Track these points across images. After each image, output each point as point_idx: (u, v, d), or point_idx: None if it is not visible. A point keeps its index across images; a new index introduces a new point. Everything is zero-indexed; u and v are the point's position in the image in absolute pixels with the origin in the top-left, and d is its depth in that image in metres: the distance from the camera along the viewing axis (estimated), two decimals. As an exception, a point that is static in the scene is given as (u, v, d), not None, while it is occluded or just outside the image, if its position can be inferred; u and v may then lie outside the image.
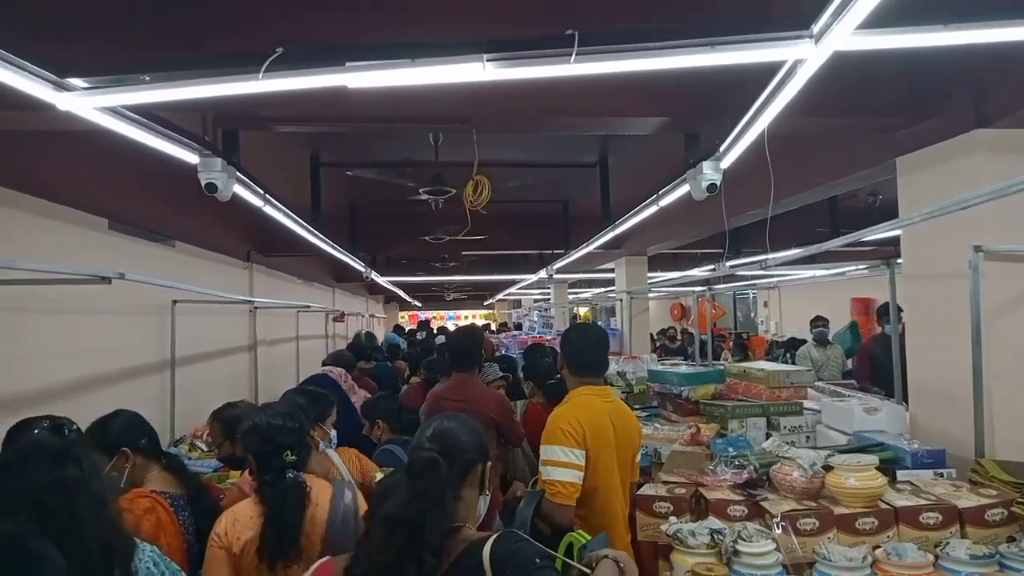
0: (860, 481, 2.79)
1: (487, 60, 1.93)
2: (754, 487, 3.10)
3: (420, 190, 4.74)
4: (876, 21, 1.92)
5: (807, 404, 4.12)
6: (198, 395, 5.87)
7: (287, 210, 4.19)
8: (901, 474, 3.09)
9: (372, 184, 5.78)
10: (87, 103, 2.20)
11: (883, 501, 2.80)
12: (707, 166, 3.22)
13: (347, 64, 2.00)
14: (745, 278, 10.03)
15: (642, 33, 2.00)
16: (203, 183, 3.03)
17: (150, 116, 2.62)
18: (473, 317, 24.52)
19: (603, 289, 13.43)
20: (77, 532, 1.60)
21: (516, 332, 12.75)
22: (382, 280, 10.12)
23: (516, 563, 1.52)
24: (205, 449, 5.34)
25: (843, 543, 2.64)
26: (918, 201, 3.44)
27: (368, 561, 1.57)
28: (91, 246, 4.48)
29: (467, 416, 1.89)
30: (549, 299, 15.04)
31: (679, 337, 12.91)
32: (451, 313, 25.56)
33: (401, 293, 15.76)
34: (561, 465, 2.62)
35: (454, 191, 4.71)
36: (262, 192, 3.73)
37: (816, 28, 1.97)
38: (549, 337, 9.75)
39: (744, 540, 2.56)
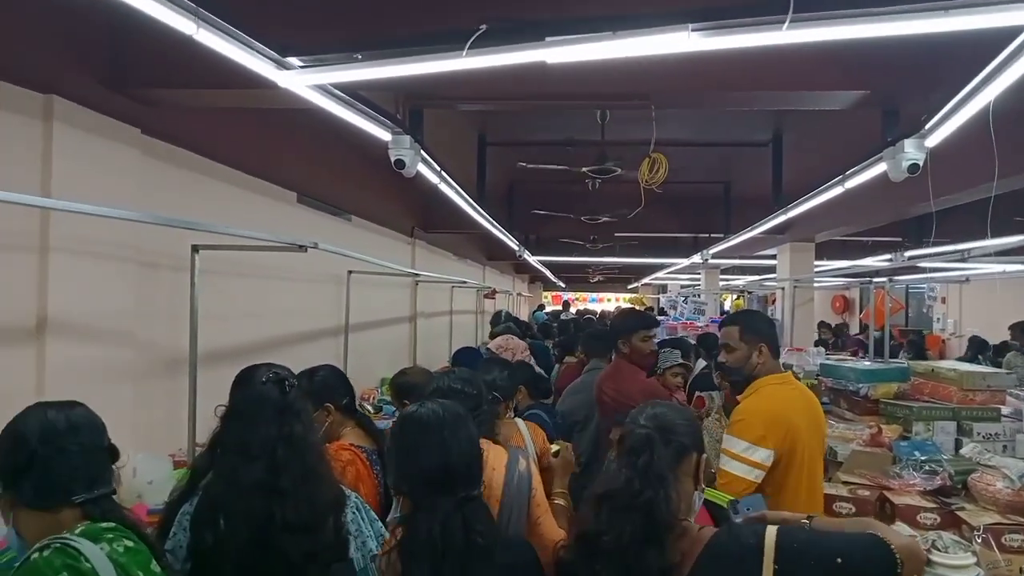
0: (1081, 499, 2.50)
1: (692, 29, 1.87)
2: (947, 495, 2.88)
3: (585, 169, 4.73)
4: None
5: (1005, 410, 3.74)
6: (365, 360, 6.26)
7: (459, 188, 4.34)
8: None
9: (533, 163, 5.85)
10: (303, 80, 2.38)
11: (1109, 524, 2.50)
12: (909, 144, 2.96)
13: (547, 39, 2.02)
14: (925, 270, 9.18)
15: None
16: (392, 159, 3.19)
17: (352, 95, 2.79)
18: (616, 300, 24.32)
19: (757, 277, 12.83)
20: (308, 483, 1.76)
21: (663, 317, 12.51)
22: (532, 259, 10.25)
23: (815, 548, 1.45)
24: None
25: (1058, 565, 2.38)
26: None
27: (594, 543, 1.51)
28: (282, 217, 4.88)
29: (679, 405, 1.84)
30: (698, 284, 14.58)
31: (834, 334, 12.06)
32: (593, 295, 25.51)
33: (548, 273, 15.90)
34: (736, 458, 2.47)
35: (619, 171, 4.66)
36: (439, 169, 3.88)
37: (1074, -14, 1.74)
38: (701, 324, 9.48)
39: (939, 550, 2.37)
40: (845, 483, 3.01)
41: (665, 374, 4.23)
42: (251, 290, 4.45)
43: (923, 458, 3.05)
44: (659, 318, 13.49)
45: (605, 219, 6.72)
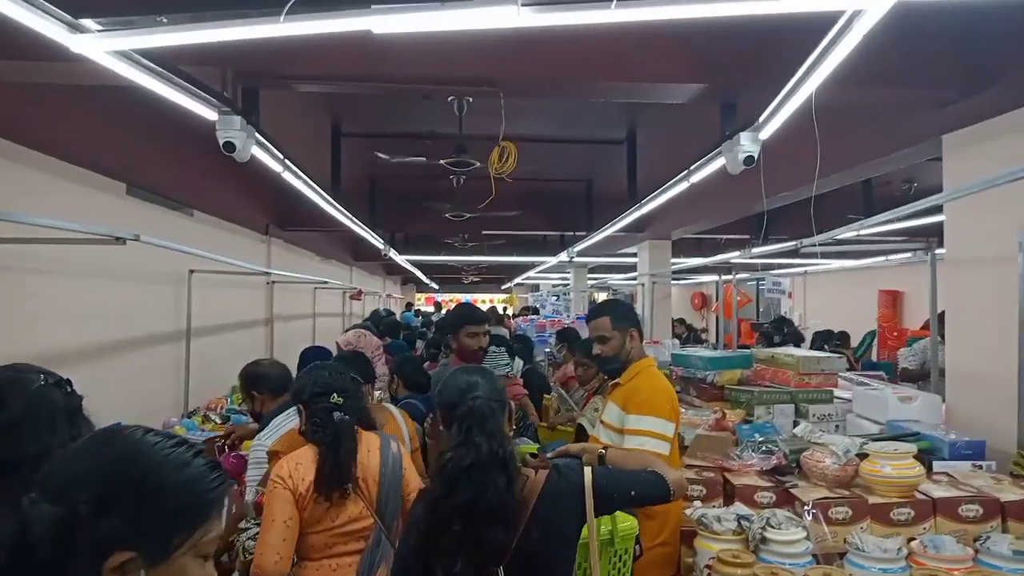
0: (897, 470, 2.67)
1: (522, 4, 1.80)
2: (783, 474, 2.99)
3: (442, 161, 4.62)
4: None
5: (838, 393, 3.99)
6: (213, 367, 5.83)
7: (306, 177, 4.09)
8: (938, 465, 2.97)
9: (392, 156, 5.67)
10: (101, 46, 2.10)
11: (920, 492, 2.68)
12: (744, 137, 3.08)
13: (372, 7, 1.89)
14: (772, 267, 9.84)
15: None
16: (221, 142, 2.92)
17: (169, 68, 2.52)
18: (491, 301, 24.43)
19: (622, 275, 13.28)
20: None
21: (533, 316, 12.65)
22: (399, 259, 10.03)
23: (618, 484, 1.88)
24: (218, 421, 5.31)
25: (877, 534, 2.53)
26: (964, 182, 3.28)
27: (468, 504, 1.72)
28: (108, 211, 4.41)
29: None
30: (568, 284, 14.90)
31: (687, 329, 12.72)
32: (467, 296, 25.48)
33: (419, 274, 15.68)
34: (662, 438, 2.63)
35: (478, 164, 4.59)
36: (281, 156, 3.63)
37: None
38: (568, 321, 9.63)
39: (773, 527, 2.45)
40: (689, 466, 3.07)
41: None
42: (66, 290, 3.97)
43: (761, 439, 3.17)
44: (531, 316, 13.71)
45: (470, 216, 6.65)
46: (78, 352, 4.00)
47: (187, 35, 2.04)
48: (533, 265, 13.36)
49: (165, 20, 2.04)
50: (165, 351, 5.13)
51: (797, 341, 8.86)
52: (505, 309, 19.57)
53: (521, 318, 13.40)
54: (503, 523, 1.72)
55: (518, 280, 19.77)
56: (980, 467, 2.96)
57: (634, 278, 9.44)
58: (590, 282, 13.91)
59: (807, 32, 2.32)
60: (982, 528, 2.54)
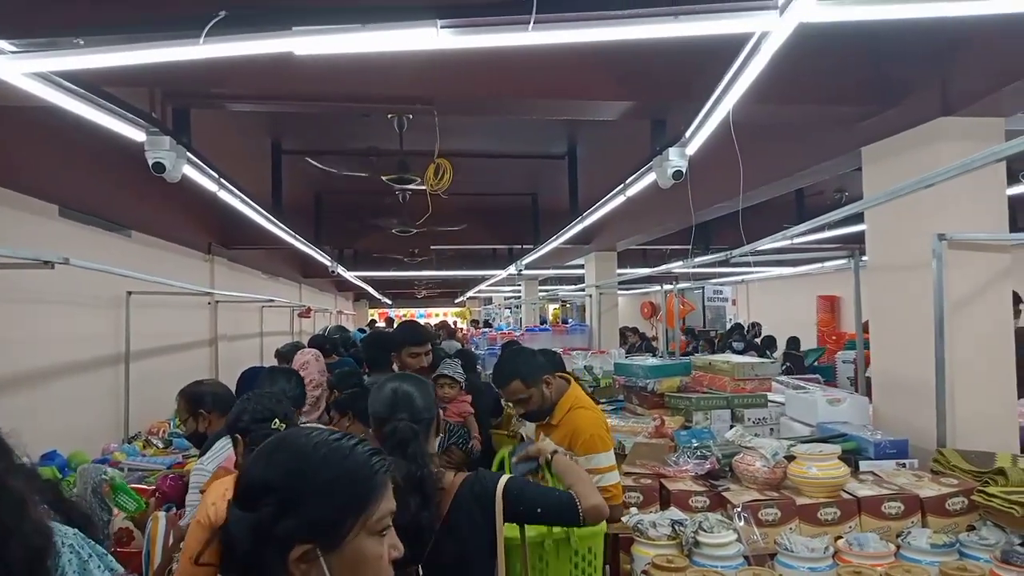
0: (822, 471, 2.76)
1: (441, 27, 1.84)
2: (716, 478, 3.06)
3: (383, 178, 4.63)
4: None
5: (772, 397, 4.11)
6: (154, 390, 5.69)
7: (243, 195, 4.05)
8: (864, 464, 3.08)
9: (338, 174, 5.65)
10: (16, 68, 2.07)
11: (845, 491, 2.78)
12: (672, 152, 3.17)
13: (293, 29, 1.90)
14: (714, 275, 10.08)
15: (604, 2, 1.93)
16: (150, 162, 2.89)
17: (93, 89, 2.49)
18: (444, 315, 24.36)
19: (571, 286, 13.41)
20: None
21: (486, 329, 12.68)
22: (348, 275, 9.94)
23: (526, 498, 1.93)
24: (160, 446, 5.17)
25: (805, 534, 2.60)
26: (882, 190, 3.43)
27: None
28: (39, 233, 4.29)
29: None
30: (520, 296, 14.98)
31: (640, 338, 12.89)
32: (421, 311, 25.37)
33: (370, 289, 15.55)
34: (611, 470, 2.73)
35: (418, 179, 4.61)
36: (216, 176, 3.59)
37: (781, -1, 1.91)
38: (518, 334, 9.67)
39: (705, 531, 2.51)
40: (628, 474, 3.12)
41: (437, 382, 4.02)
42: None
43: (696, 444, 3.25)
44: (483, 330, 13.74)
45: (414, 230, 6.67)
46: (11, 379, 3.88)
47: (104, 57, 2.02)
48: (484, 278, 13.39)
49: (82, 42, 2.02)
50: (104, 375, 5.00)
51: (755, 347, 9.12)
52: (455, 323, 19.58)
53: (472, 331, 13.43)
54: (414, 540, 1.75)
55: (471, 293, 19.76)
56: (903, 465, 3.08)
57: (583, 289, 9.56)
58: (541, 294, 14.02)
59: (728, 51, 2.42)
60: (903, 524, 2.64)
